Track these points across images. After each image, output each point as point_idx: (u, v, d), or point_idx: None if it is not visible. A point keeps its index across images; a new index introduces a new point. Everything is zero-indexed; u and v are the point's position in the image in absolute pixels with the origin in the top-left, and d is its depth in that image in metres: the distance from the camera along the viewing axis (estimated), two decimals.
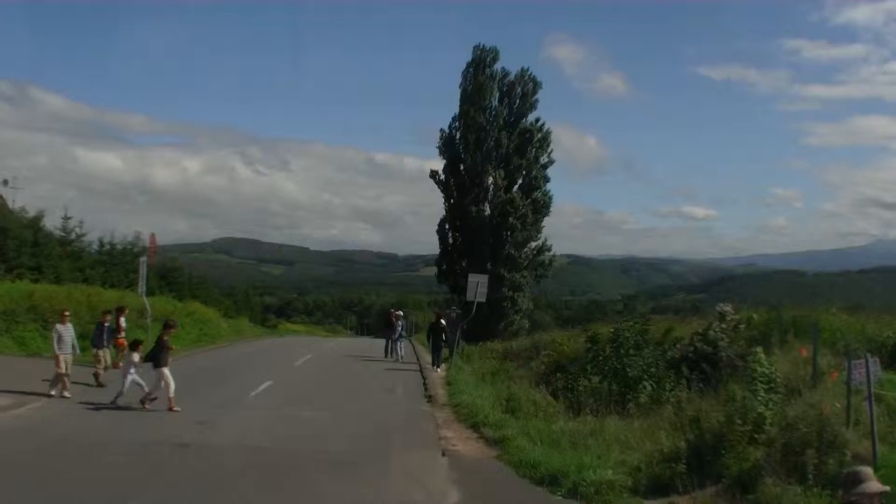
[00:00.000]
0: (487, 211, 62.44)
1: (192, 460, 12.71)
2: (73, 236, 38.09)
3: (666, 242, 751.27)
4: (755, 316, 20.45)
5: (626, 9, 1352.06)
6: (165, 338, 18.32)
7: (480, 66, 63.00)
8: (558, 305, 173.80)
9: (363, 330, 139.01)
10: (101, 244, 40.61)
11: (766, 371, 12.33)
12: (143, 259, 31.45)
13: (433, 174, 64.62)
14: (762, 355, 12.88)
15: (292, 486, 11.65)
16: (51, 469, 11.75)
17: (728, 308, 20.00)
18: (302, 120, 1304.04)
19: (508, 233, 60.79)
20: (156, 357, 17.79)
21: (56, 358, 18.60)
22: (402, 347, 34.03)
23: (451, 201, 63.35)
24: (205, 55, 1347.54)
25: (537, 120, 62.44)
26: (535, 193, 61.97)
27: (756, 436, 11.23)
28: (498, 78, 63.10)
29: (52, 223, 36.65)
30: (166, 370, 17.60)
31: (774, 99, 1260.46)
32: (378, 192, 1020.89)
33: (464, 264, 63.62)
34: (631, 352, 18.62)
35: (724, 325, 18.99)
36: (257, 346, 41.75)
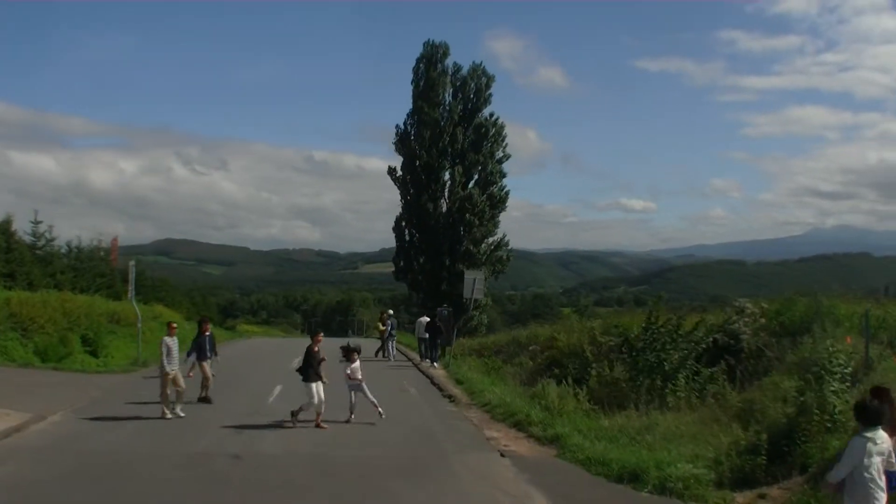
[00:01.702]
0: (444, 207, 62.40)
1: (254, 472, 12.28)
2: (42, 241, 37.03)
3: (605, 235, 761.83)
4: (766, 306, 20.52)
5: (564, 2, 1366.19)
6: (316, 348, 17.05)
7: (432, 61, 62.81)
8: (502, 300, 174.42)
9: (311, 329, 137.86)
10: (70, 248, 39.54)
11: (842, 363, 12.41)
12: (131, 264, 30.64)
13: (391, 171, 64.25)
14: (838, 348, 12.92)
15: (372, 495, 11.37)
16: (105, 487, 11.19)
17: (747, 303, 20.11)
18: (241, 120, 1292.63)
19: (466, 229, 60.81)
20: (306, 370, 16.69)
21: (165, 375, 17.12)
22: (394, 347, 33.71)
23: (408, 198, 63.21)
24: (143, 56, 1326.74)
25: (492, 115, 62.36)
26: (492, 188, 61.97)
27: (829, 425, 11.32)
28: (450, 73, 62.89)
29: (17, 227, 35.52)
30: (316, 385, 16.52)
31: (711, 90, 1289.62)
32: (317, 190, 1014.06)
33: (421, 261, 63.60)
34: (667, 346, 18.63)
35: (745, 319, 19.12)
36: (235, 349, 40.94)
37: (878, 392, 8.75)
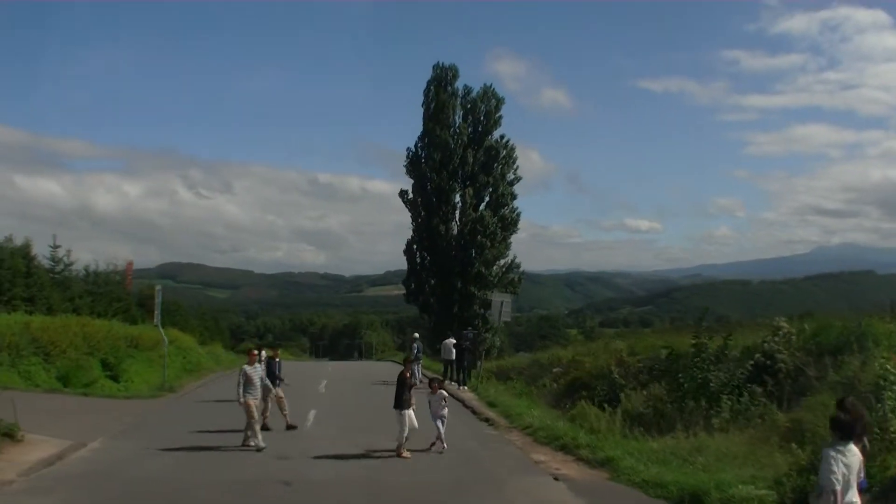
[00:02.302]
0: (456, 230, 62.37)
1: (308, 498, 12.19)
2: (60, 266, 36.98)
3: (610, 256, 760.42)
4: (807, 327, 20.30)
5: (565, 23, 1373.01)
6: (408, 374, 16.61)
7: (442, 84, 63.00)
8: (509, 323, 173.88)
9: (319, 352, 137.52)
10: (87, 273, 39.46)
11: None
12: (158, 288, 30.63)
13: (402, 194, 64.29)
14: (890, 367, 12.76)
15: None
16: None
17: (783, 322, 19.94)
18: (242, 141, 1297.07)
19: (477, 251, 60.73)
20: (399, 397, 16.10)
21: (247, 405, 16.32)
22: (420, 370, 33.36)
23: (420, 221, 63.21)
24: (143, 78, 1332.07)
25: (502, 137, 62.47)
26: (503, 210, 61.94)
27: (888, 444, 11.19)
28: (460, 95, 63.11)
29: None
30: (409, 413, 15.98)
31: (714, 110, 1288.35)
32: (321, 213, 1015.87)
33: (432, 283, 63.53)
34: (711, 366, 18.47)
35: (778, 338, 18.96)
36: None
37: (844, 405, 8.87)
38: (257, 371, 16.92)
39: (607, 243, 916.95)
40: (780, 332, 19.19)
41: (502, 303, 29.45)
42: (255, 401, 16.60)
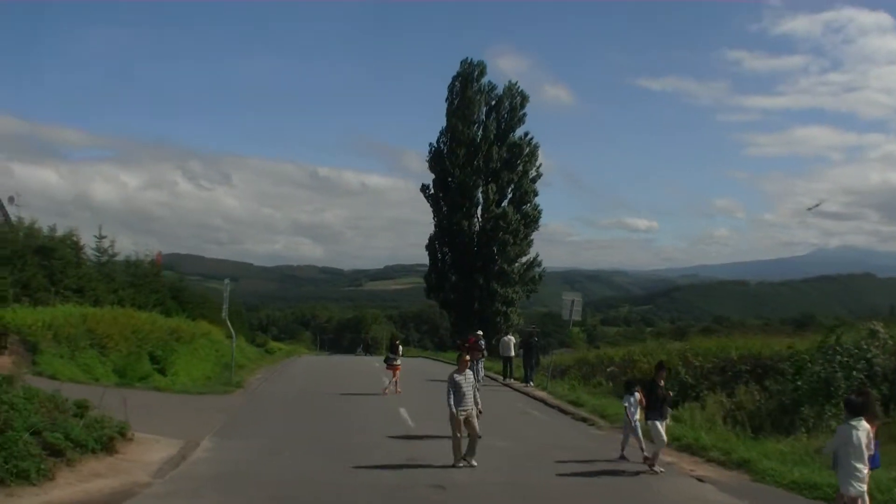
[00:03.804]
0: (478, 226, 62.11)
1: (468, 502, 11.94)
2: (105, 257, 36.53)
3: (608, 254, 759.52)
4: None
5: (567, 20, 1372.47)
6: (661, 382, 14.89)
7: (468, 80, 62.74)
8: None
9: (324, 345, 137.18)
10: (128, 264, 39.00)
11: None
12: (226, 282, 30.30)
13: (424, 189, 64.10)
14: None
15: None
16: None
17: (880, 326, 19.64)
18: (241, 133, 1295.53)
19: (500, 247, 60.48)
20: (653, 406, 14.61)
21: (455, 422, 14.19)
22: (482, 369, 32.70)
23: (441, 216, 62.92)
24: (142, 67, 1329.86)
25: (526, 134, 62.53)
26: (525, 207, 61.84)
27: None
28: (485, 92, 62.96)
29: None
30: (662, 424, 14.42)
31: (715, 110, 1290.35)
32: (319, 206, 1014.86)
33: (453, 279, 63.28)
34: (837, 369, 18.13)
35: (877, 342, 18.69)
36: (302, 368, 40.87)
37: (862, 391, 11.54)
38: (468, 380, 14.65)
39: (605, 242, 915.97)
40: (878, 336, 18.92)
41: (573, 301, 29.01)
42: (464, 413, 14.21)
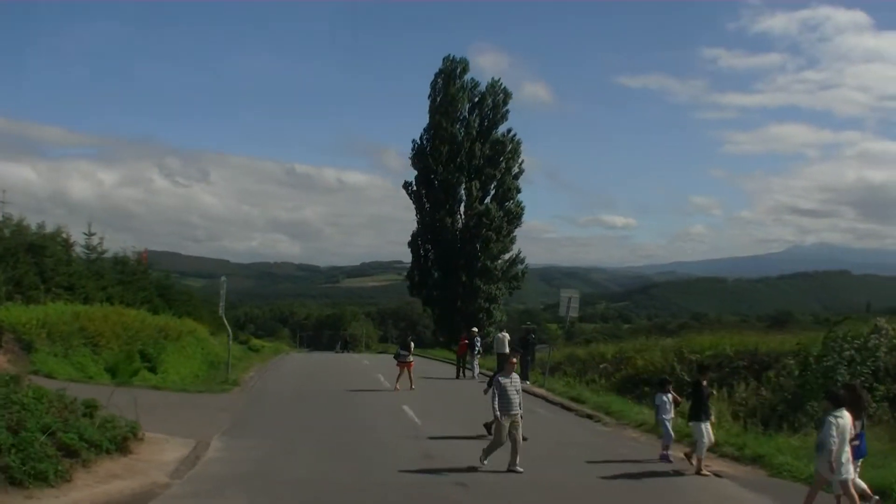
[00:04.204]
0: (461, 223, 62.13)
1: (493, 500, 11.92)
2: (94, 254, 36.20)
3: (585, 251, 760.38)
4: None
5: (547, 18, 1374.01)
6: (705, 382, 14.82)
7: (451, 77, 62.72)
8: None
9: (303, 343, 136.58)
10: (116, 261, 38.65)
11: None
12: (223, 279, 30.14)
13: (406, 185, 64.04)
14: None
15: None
16: None
17: (885, 321, 19.81)
18: (219, 130, 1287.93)
19: (482, 244, 60.52)
20: (697, 408, 14.31)
21: (497, 427, 13.72)
22: (477, 366, 32.64)
23: (424, 213, 62.89)
24: (122, 65, 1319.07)
25: (509, 131, 62.82)
26: (508, 204, 61.99)
27: None
28: (468, 89, 62.93)
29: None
30: (705, 425, 14.13)
31: (692, 107, 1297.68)
32: (296, 203, 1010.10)
33: (436, 276, 63.26)
34: (841, 364, 18.20)
35: (882, 338, 18.85)
36: (293, 366, 40.72)
37: (848, 386, 12.49)
38: (514, 383, 13.97)
39: (583, 239, 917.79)
40: (882, 332, 19.07)
41: (570, 298, 29.02)
42: (510, 418, 13.66)
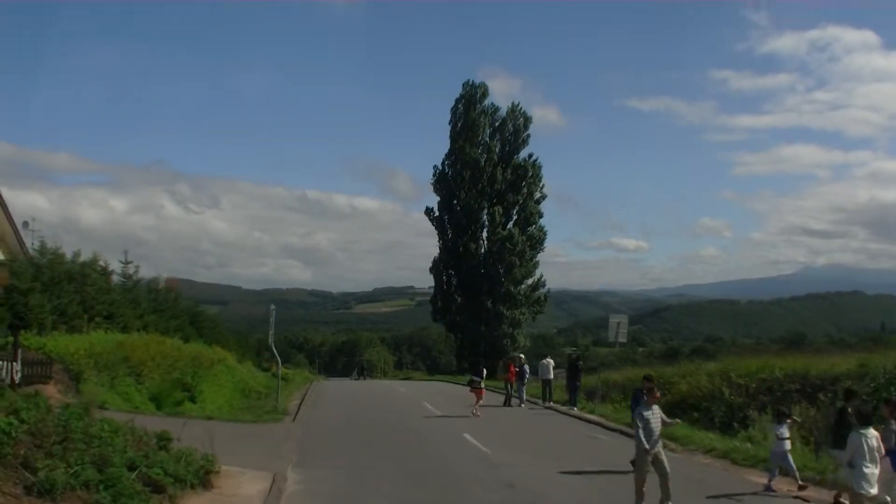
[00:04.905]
0: (484, 248, 61.96)
1: None
2: (130, 283, 36.12)
3: (596, 275, 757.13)
4: None
5: (557, 41, 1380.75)
6: (850, 409, 13.51)
7: (472, 102, 62.80)
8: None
9: (319, 370, 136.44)
10: (150, 289, 38.57)
11: None
12: (272, 307, 30.00)
13: (428, 211, 64.00)
14: None
15: None
16: None
17: None
18: (229, 156, 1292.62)
19: (506, 269, 60.31)
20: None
21: (645, 452, 12.69)
22: (525, 392, 32.35)
23: (447, 238, 62.75)
24: (133, 91, 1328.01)
25: (530, 155, 62.69)
26: (531, 229, 61.80)
27: None
28: (489, 113, 62.97)
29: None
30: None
31: (702, 130, 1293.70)
32: (307, 230, 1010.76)
33: (459, 301, 62.96)
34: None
35: None
36: (328, 393, 40.59)
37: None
38: (656, 416, 13.06)
39: (594, 262, 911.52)
40: None
41: (619, 323, 28.82)
42: (653, 454, 12.74)
